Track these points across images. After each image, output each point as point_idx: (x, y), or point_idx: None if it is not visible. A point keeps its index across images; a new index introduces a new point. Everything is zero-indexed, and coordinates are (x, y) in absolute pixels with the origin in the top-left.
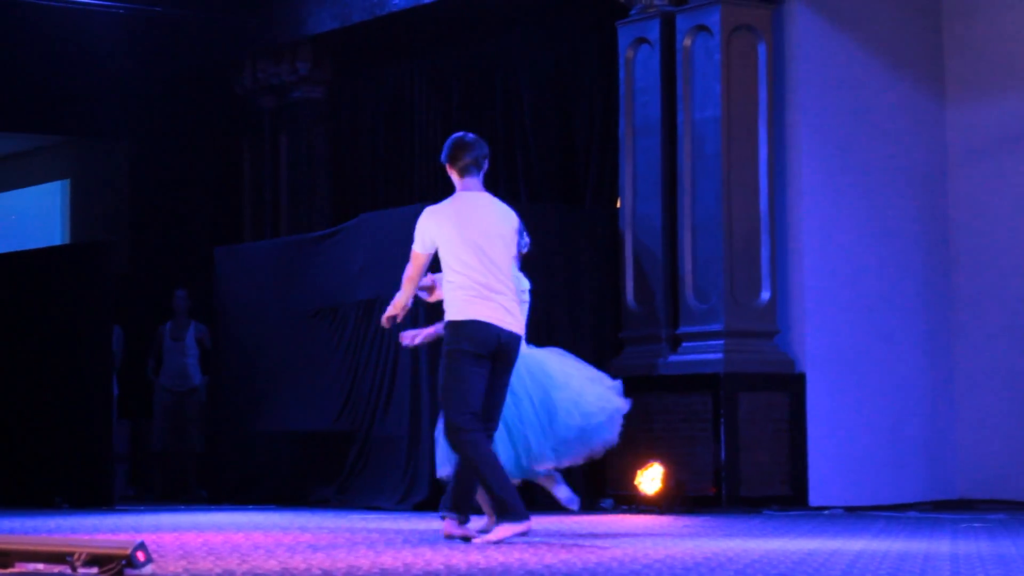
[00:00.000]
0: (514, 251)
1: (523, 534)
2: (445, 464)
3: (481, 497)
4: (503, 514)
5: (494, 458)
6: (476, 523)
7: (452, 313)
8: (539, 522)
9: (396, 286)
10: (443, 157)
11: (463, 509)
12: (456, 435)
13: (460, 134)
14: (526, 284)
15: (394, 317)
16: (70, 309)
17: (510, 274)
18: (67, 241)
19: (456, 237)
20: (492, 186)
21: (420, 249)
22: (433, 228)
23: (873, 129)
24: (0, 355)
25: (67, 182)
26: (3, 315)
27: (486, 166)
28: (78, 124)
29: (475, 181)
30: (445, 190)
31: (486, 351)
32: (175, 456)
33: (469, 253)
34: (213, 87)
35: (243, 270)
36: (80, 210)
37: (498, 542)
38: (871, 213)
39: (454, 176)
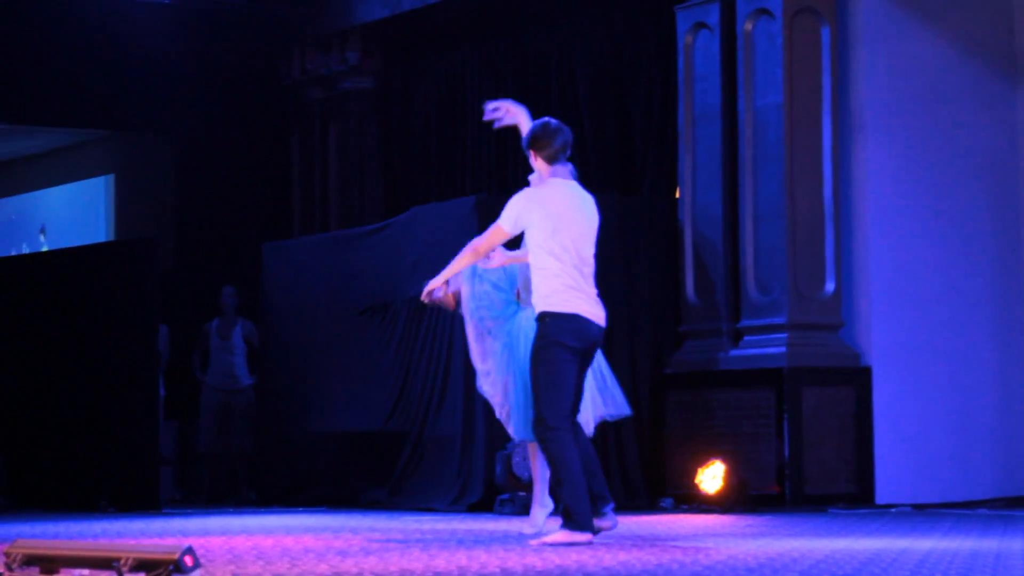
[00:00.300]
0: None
1: (583, 544)
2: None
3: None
4: (567, 520)
5: (575, 463)
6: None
7: (550, 304)
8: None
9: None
10: (526, 143)
11: (596, 502)
12: (544, 431)
13: (545, 119)
14: None
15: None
16: (115, 307)
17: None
18: (112, 238)
19: (554, 224)
20: None
21: (507, 228)
22: (529, 211)
23: (941, 114)
24: (44, 355)
25: (111, 177)
26: (47, 314)
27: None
28: (122, 118)
29: (564, 169)
30: (499, 182)
31: (582, 347)
32: (223, 458)
33: (568, 242)
34: (260, 78)
35: (292, 266)
36: (125, 206)
37: (552, 545)
38: (939, 201)
39: (540, 163)
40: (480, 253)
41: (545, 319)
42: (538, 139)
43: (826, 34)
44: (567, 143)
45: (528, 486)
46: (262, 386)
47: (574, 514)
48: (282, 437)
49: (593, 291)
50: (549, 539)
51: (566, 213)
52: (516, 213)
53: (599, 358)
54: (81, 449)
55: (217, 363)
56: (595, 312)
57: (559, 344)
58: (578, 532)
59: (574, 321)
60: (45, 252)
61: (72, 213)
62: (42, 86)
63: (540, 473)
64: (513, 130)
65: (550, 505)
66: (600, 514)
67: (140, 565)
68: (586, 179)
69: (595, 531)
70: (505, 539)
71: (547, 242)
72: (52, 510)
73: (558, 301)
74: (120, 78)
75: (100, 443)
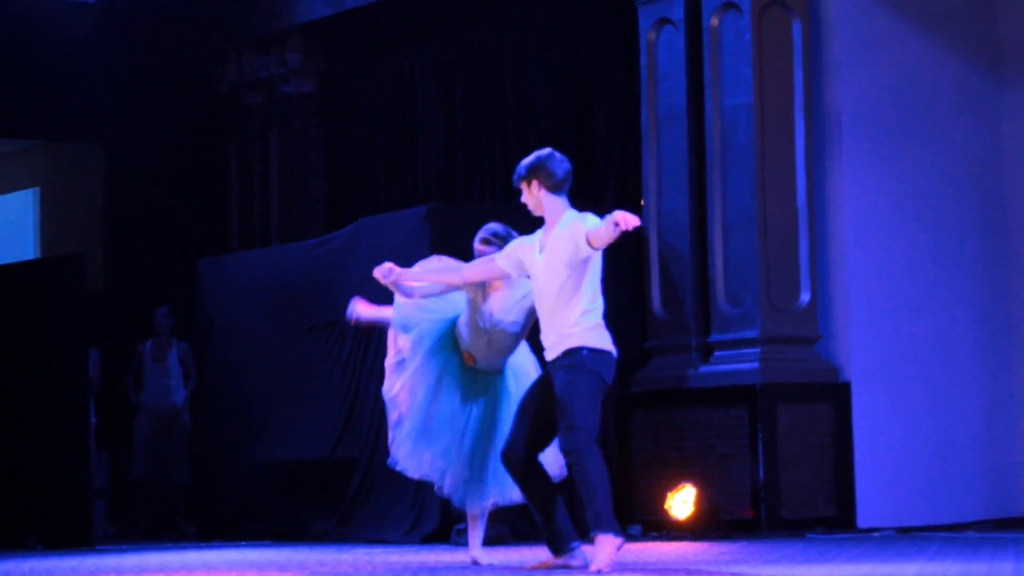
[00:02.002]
0: None
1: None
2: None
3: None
4: (608, 527)
5: (607, 473)
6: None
7: (600, 342)
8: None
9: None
10: (523, 174)
11: (561, 539)
12: (581, 443)
13: (547, 150)
14: None
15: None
16: (42, 329)
17: None
18: (38, 255)
19: (598, 265)
20: (505, 182)
21: (504, 266)
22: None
23: (921, 112)
24: None
25: (36, 190)
26: None
27: None
28: (47, 126)
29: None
30: (449, 191)
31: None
32: (159, 489)
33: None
34: (195, 83)
35: (230, 283)
36: (51, 220)
37: (612, 560)
38: (920, 204)
39: (543, 193)
40: (461, 278)
41: (597, 355)
42: (544, 169)
43: (797, 29)
44: (571, 172)
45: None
46: (199, 412)
47: (611, 520)
48: (222, 466)
49: None
50: (606, 560)
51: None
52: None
53: None
54: (7, 482)
55: (152, 387)
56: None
57: (602, 380)
58: (620, 536)
59: (611, 359)
60: None
61: None
62: None
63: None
64: (464, 135)
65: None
66: (568, 551)
67: None
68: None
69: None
70: (462, 570)
71: (593, 281)
72: None
73: (604, 341)
74: (45, 84)
75: (27, 474)
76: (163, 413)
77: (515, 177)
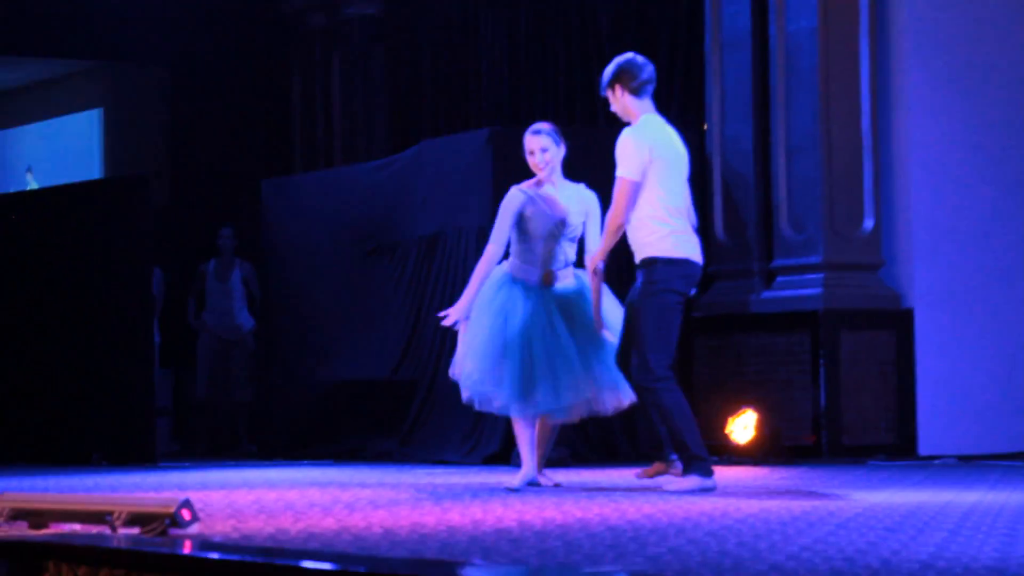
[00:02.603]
0: None
1: (708, 490)
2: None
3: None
4: (692, 466)
5: (688, 408)
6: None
7: (661, 249)
8: (620, 475)
9: (461, 218)
10: (608, 81)
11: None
12: (652, 380)
13: (629, 54)
14: None
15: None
16: (106, 250)
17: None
18: (103, 174)
19: (666, 167)
20: (568, 107)
21: (637, 176)
22: (646, 154)
23: (988, 39)
24: (30, 300)
25: (100, 111)
26: (33, 257)
27: None
28: (111, 47)
29: (651, 103)
30: (513, 114)
31: (690, 292)
32: (222, 408)
33: (677, 184)
34: (258, 5)
35: (293, 205)
36: (115, 141)
37: (682, 493)
38: (986, 132)
39: (627, 98)
40: (621, 219)
41: (656, 264)
42: (626, 72)
43: None
44: (654, 75)
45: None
46: (262, 332)
47: (698, 460)
48: (285, 386)
49: (693, 233)
50: (676, 486)
51: (670, 150)
52: (637, 159)
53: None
54: (71, 399)
55: (215, 307)
56: (698, 254)
57: (671, 291)
58: (706, 478)
59: (685, 266)
60: (29, 191)
61: (60, 150)
62: (24, 13)
63: (521, 435)
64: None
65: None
66: (667, 459)
67: (134, 519)
68: (607, 111)
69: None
70: (522, 492)
71: (658, 186)
72: (40, 464)
73: (668, 246)
74: (108, 4)
75: (91, 392)
76: (226, 333)
77: (602, 86)
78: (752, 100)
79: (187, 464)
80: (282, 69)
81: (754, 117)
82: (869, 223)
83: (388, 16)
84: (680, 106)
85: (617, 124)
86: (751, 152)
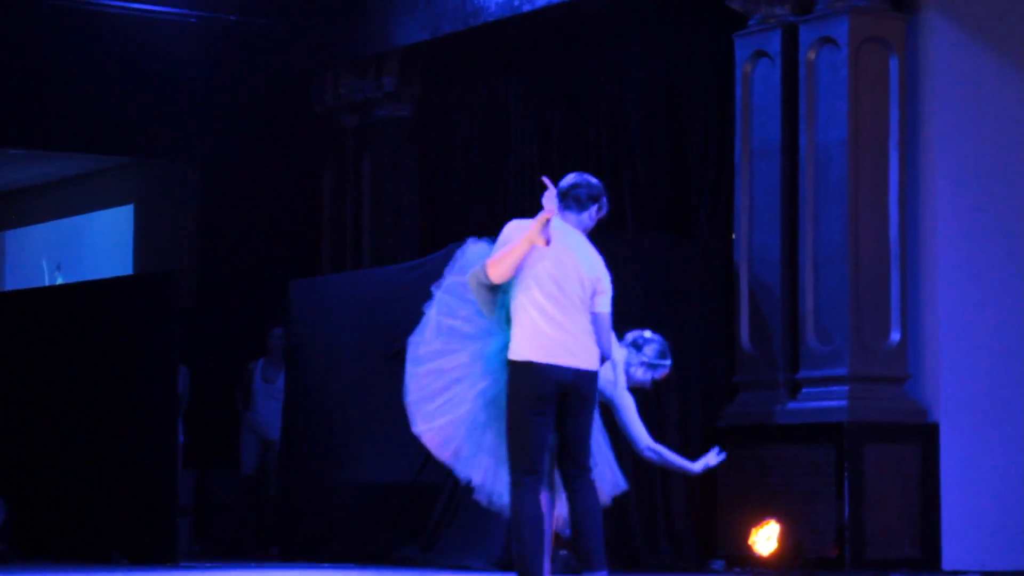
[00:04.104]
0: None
1: None
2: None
3: None
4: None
5: (527, 522)
6: None
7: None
8: None
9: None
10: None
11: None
12: (510, 484)
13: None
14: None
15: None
16: (133, 346)
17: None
18: (134, 272)
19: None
20: None
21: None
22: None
23: (1018, 151)
24: (56, 395)
25: (131, 207)
26: (60, 352)
27: (589, 204)
28: (144, 144)
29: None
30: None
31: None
32: (250, 507)
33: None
34: (291, 104)
35: (320, 305)
36: (146, 238)
37: None
38: (1015, 244)
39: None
40: None
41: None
42: None
43: (894, 65)
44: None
45: (569, 544)
46: (287, 433)
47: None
48: (307, 488)
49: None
50: None
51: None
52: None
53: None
54: (94, 496)
55: (259, 408)
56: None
57: (515, 393)
58: None
59: (529, 369)
60: (58, 286)
61: (91, 246)
62: (59, 109)
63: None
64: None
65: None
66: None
67: None
68: (637, 217)
69: None
70: None
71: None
72: (61, 561)
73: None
74: (143, 101)
75: (114, 490)
76: (268, 434)
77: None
78: (781, 209)
79: (209, 565)
80: (313, 169)
81: (782, 227)
82: (896, 335)
83: (419, 118)
84: (708, 213)
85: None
86: (778, 262)
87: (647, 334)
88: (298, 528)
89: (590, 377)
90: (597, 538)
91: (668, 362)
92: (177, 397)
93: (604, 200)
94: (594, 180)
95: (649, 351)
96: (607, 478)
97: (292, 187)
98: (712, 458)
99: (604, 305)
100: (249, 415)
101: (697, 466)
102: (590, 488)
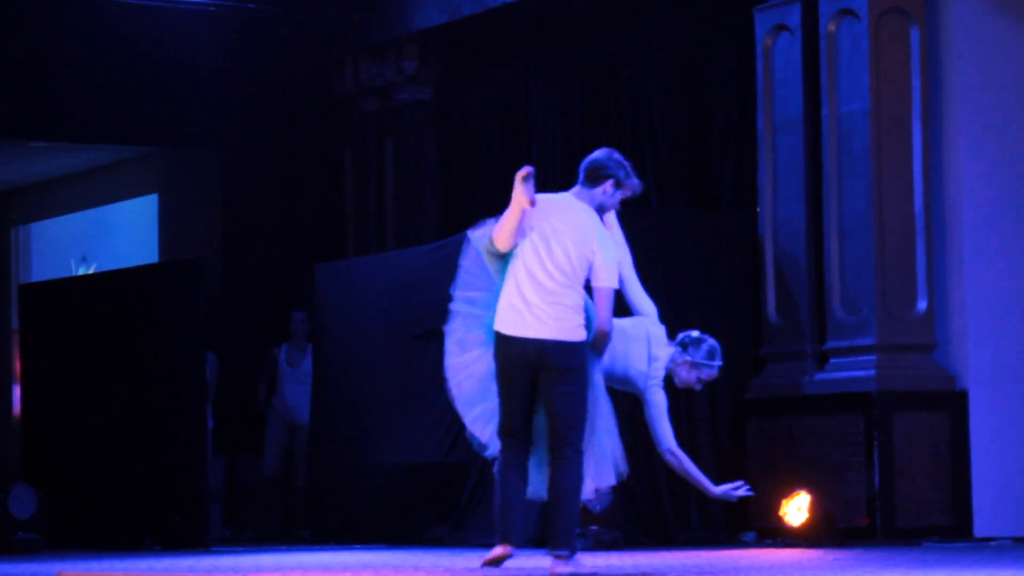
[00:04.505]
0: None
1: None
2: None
3: None
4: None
5: (503, 482)
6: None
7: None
8: (675, 557)
9: None
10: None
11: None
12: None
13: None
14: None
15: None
16: (160, 333)
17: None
18: (160, 260)
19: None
20: None
21: None
22: None
23: None
24: (85, 384)
25: (155, 196)
26: (88, 341)
27: (602, 180)
28: (166, 133)
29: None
30: None
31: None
32: (279, 491)
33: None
34: (311, 90)
35: (346, 288)
36: (171, 226)
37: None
38: None
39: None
40: None
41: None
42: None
43: (915, 35)
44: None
45: (600, 519)
46: (315, 416)
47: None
48: (337, 470)
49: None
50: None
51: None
52: None
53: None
54: (125, 483)
55: (285, 392)
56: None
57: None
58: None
59: (498, 339)
60: (85, 275)
61: (116, 235)
62: (81, 101)
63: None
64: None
65: None
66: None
67: None
68: (660, 193)
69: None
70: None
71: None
72: (93, 548)
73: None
74: (164, 91)
75: (145, 477)
76: (294, 418)
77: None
78: (804, 182)
79: (239, 548)
80: (335, 154)
81: (806, 199)
82: (922, 304)
83: (440, 101)
84: (732, 187)
85: (666, 205)
86: (803, 234)
87: (695, 334)
88: (328, 510)
89: (561, 347)
90: (567, 518)
91: (717, 363)
92: (205, 383)
93: (625, 178)
94: (612, 157)
95: (697, 351)
96: (606, 458)
97: (314, 172)
98: (736, 491)
99: (603, 280)
100: (276, 400)
101: (717, 490)
102: (572, 467)
